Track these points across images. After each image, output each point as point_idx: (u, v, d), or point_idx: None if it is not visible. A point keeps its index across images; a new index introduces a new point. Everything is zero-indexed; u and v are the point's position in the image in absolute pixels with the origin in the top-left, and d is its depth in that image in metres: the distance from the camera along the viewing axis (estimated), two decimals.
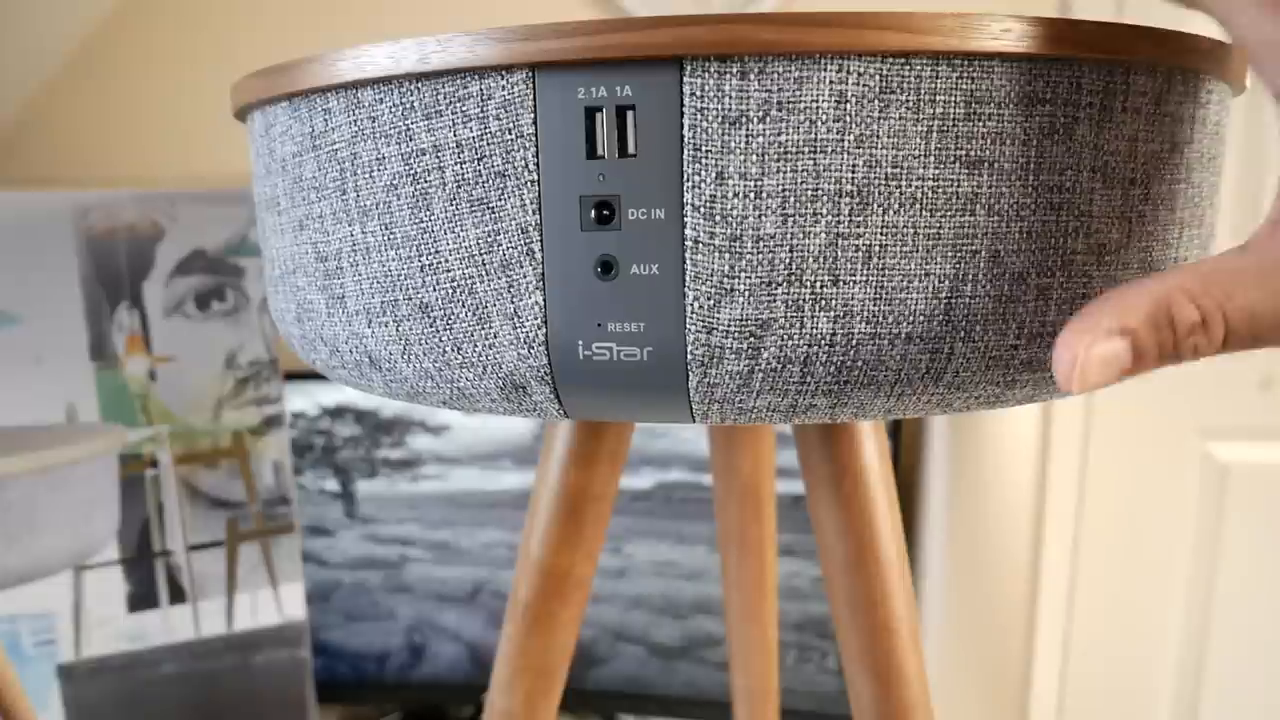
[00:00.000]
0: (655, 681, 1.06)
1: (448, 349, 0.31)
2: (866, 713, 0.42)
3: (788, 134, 0.27)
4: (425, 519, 1.08)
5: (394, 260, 0.31)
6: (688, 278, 0.28)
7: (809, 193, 0.27)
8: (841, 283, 0.28)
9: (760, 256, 0.28)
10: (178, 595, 0.97)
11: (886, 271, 0.28)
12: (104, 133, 1.14)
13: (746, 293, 0.28)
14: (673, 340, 0.29)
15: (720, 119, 0.27)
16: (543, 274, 0.29)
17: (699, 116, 0.27)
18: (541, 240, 0.29)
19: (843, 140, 0.27)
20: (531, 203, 0.29)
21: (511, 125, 0.28)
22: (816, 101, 0.26)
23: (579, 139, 0.28)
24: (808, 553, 1.00)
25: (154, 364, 0.95)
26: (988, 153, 0.27)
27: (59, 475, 0.67)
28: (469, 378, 0.32)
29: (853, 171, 0.27)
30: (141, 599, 0.95)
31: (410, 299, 0.31)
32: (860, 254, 0.28)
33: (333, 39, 1.11)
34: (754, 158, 0.27)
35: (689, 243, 0.28)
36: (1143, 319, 0.25)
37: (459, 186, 0.29)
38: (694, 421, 0.32)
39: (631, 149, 0.28)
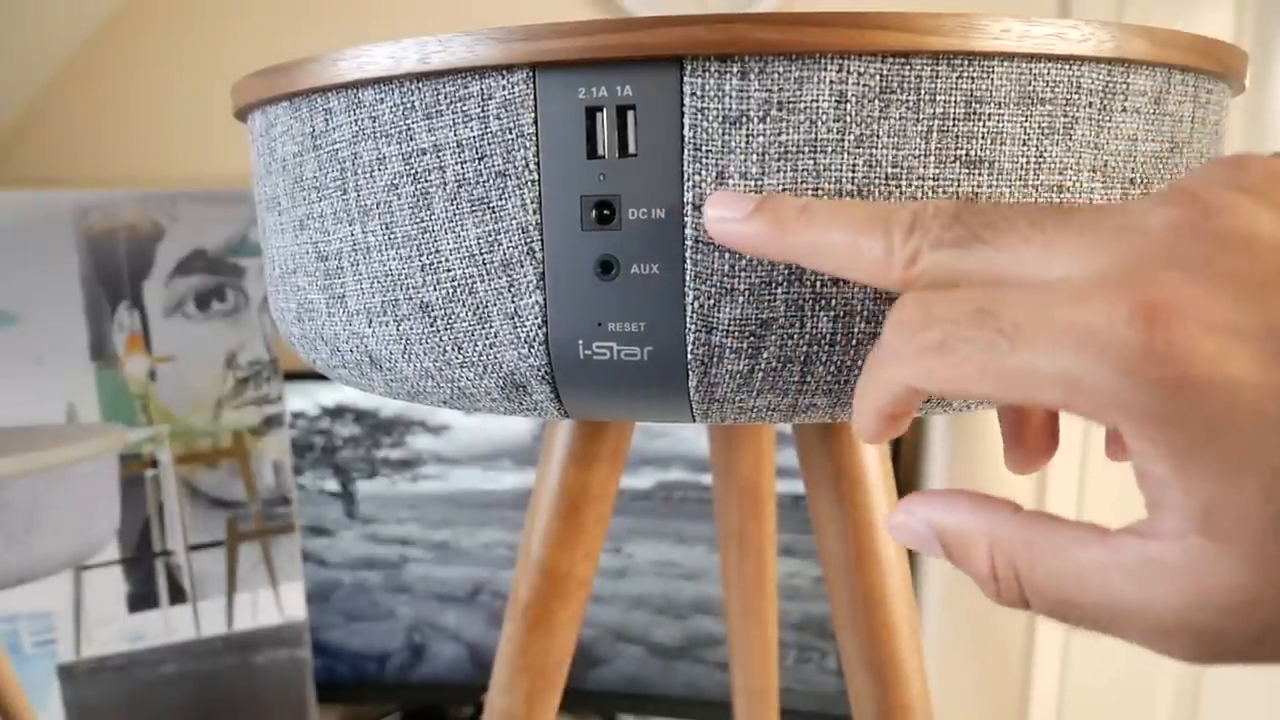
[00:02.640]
0: (655, 681, 1.06)
1: (448, 348, 0.31)
2: (866, 713, 0.42)
3: (788, 134, 0.27)
4: (425, 519, 1.08)
5: (394, 260, 0.31)
6: (688, 277, 0.28)
7: (809, 192, 0.27)
8: (842, 282, 0.28)
9: None
10: (178, 595, 0.97)
11: None
12: (104, 133, 1.14)
13: (747, 292, 0.28)
14: (673, 340, 0.29)
15: (721, 119, 0.27)
16: (543, 273, 0.29)
17: (699, 116, 0.27)
18: (542, 240, 0.29)
19: (843, 140, 0.27)
20: (532, 202, 0.29)
21: (512, 125, 0.28)
22: (817, 101, 0.26)
23: (579, 139, 0.28)
24: (808, 553, 1.00)
25: (154, 364, 0.95)
26: (988, 152, 0.28)
27: (59, 475, 0.67)
28: (469, 377, 0.32)
29: (853, 171, 0.27)
30: (141, 599, 0.95)
31: (411, 298, 0.31)
32: None
33: (333, 39, 1.11)
34: (754, 157, 0.27)
35: (689, 242, 0.28)
36: (949, 538, 0.22)
37: (459, 186, 0.29)
38: (694, 421, 0.32)
39: (632, 149, 0.28)
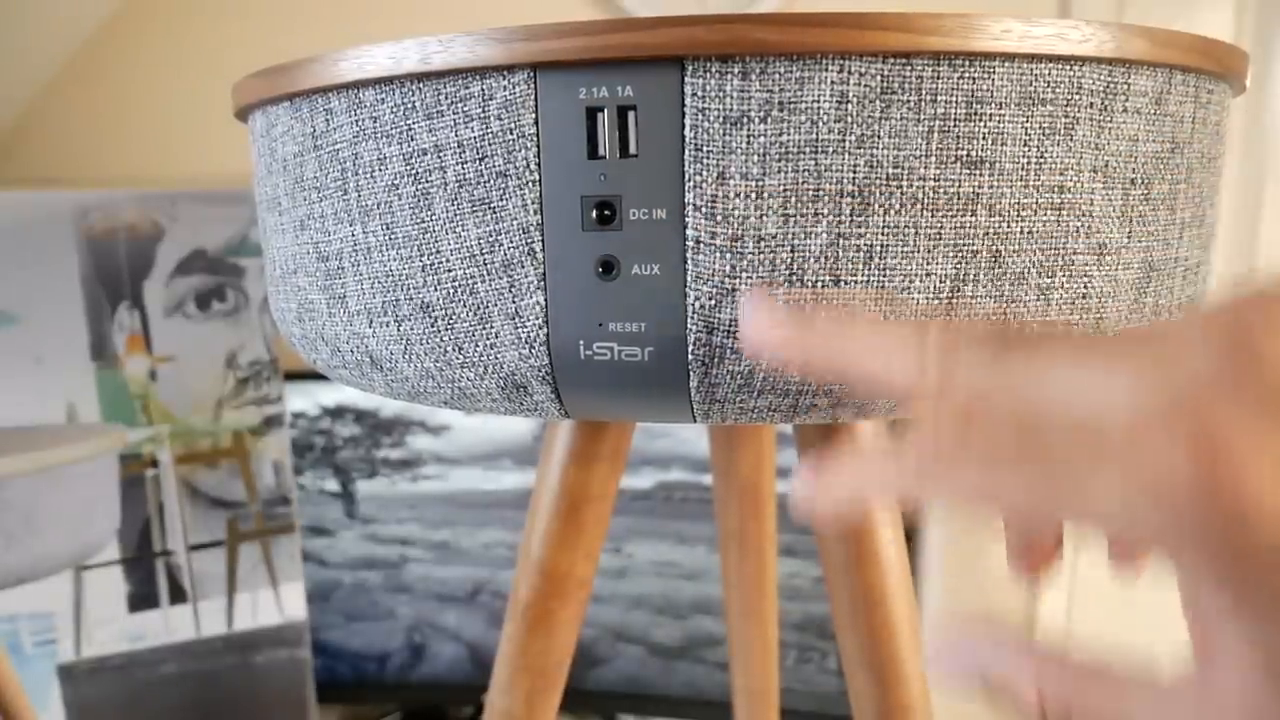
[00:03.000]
0: (655, 681, 1.06)
1: (449, 349, 0.31)
2: (866, 713, 0.42)
3: (789, 134, 0.27)
4: (425, 519, 1.08)
5: (395, 260, 0.31)
6: (689, 278, 0.28)
7: (810, 193, 0.27)
8: (843, 283, 0.28)
9: (762, 256, 0.28)
10: (178, 595, 0.97)
11: (887, 271, 0.28)
12: (104, 133, 1.14)
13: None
14: (674, 340, 0.29)
15: (721, 119, 0.27)
16: (544, 274, 0.29)
17: (700, 116, 0.27)
18: (543, 240, 0.29)
19: (844, 140, 0.27)
20: (533, 203, 0.29)
21: (513, 125, 0.28)
22: (818, 102, 0.26)
23: (580, 139, 0.28)
24: (808, 553, 1.00)
25: (154, 364, 0.95)
26: (989, 153, 0.28)
27: (59, 475, 0.67)
28: (470, 377, 0.32)
29: (854, 171, 0.27)
30: (142, 599, 0.95)
31: (411, 299, 0.31)
32: (861, 254, 0.28)
33: (333, 39, 1.11)
34: (755, 158, 0.27)
35: (690, 243, 0.28)
36: (997, 681, 0.21)
37: (460, 186, 0.29)
38: (695, 421, 0.32)
39: (633, 149, 0.28)
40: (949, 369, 0.20)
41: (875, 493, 0.21)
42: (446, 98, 0.29)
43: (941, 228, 0.28)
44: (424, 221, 0.30)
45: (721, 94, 0.27)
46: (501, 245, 0.29)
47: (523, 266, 0.29)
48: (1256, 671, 0.16)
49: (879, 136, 0.27)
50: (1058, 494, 0.17)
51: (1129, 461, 0.16)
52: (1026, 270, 0.29)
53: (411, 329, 0.32)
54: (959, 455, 0.19)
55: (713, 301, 0.28)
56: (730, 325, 0.28)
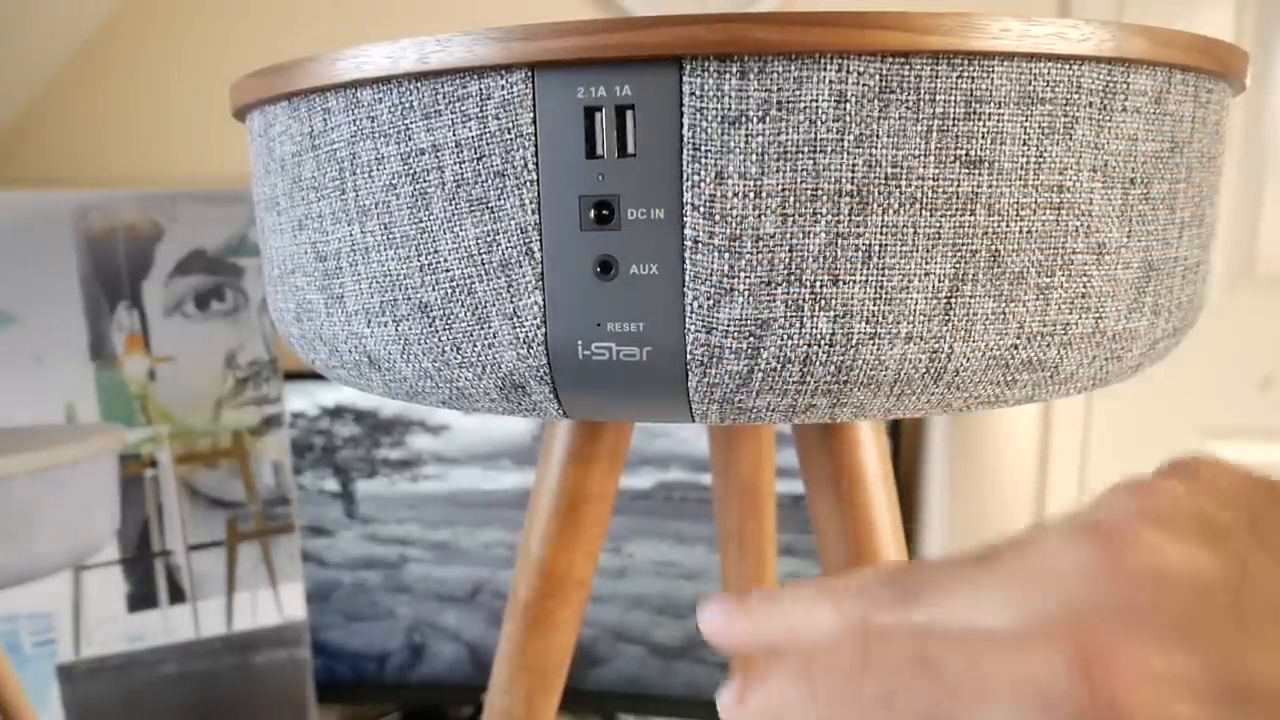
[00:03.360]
0: (655, 681, 1.06)
1: (447, 349, 0.31)
2: None
3: (787, 133, 0.27)
4: (425, 519, 1.08)
5: (393, 260, 0.31)
6: (687, 277, 0.28)
7: (809, 192, 0.27)
8: (841, 282, 0.28)
9: (760, 256, 0.28)
10: (177, 595, 0.97)
11: (886, 271, 0.28)
12: (104, 133, 1.14)
13: (746, 292, 0.28)
14: (672, 340, 0.29)
15: (720, 118, 0.27)
16: (542, 274, 0.29)
17: (698, 116, 0.27)
18: (541, 240, 0.29)
19: (842, 140, 0.27)
20: (531, 202, 0.29)
21: (511, 125, 0.28)
22: (816, 101, 0.26)
23: (578, 139, 0.28)
24: (808, 553, 1.00)
25: (153, 364, 0.95)
26: (988, 152, 0.27)
27: (59, 475, 0.67)
28: (468, 377, 0.32)
29: (852, 171, 0.27)
30: (141, 599, 0.95)
31: (409, 299, 0.31)
32: (860, 254, 0.28)
33: (331, 39, 1.11)
34: (754, 157, 0.27)
35: (689, 242, 0.28)
36: None
37: (458, 186, 0.29)
38: (694, 421, 0.32)
39: (631, 149, 0.28)
40: (859, 617, 0.21)
41: (779, 693, 0.22)
42: (444, 97, 0.29)
43: (940, 227, 0.28)
44: (422, 221, 0.30)
45: (720, 93, 0.27)
46: (499, 245, 0.29)
47: (521, 266, 0.29)
48: None
49: (877, 136, 0.27)
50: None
51: (1019, 683, 0.17)
52: (1026, 270, 0.29)
53: (409, 329, 0.32)
54: (861, 688, 0.19)
55: (711, 301, 0.28)
56: (729, 325, 0.28)
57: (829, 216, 0.27)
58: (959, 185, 0.27)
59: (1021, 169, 0.28)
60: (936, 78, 0.27)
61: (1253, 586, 0.16)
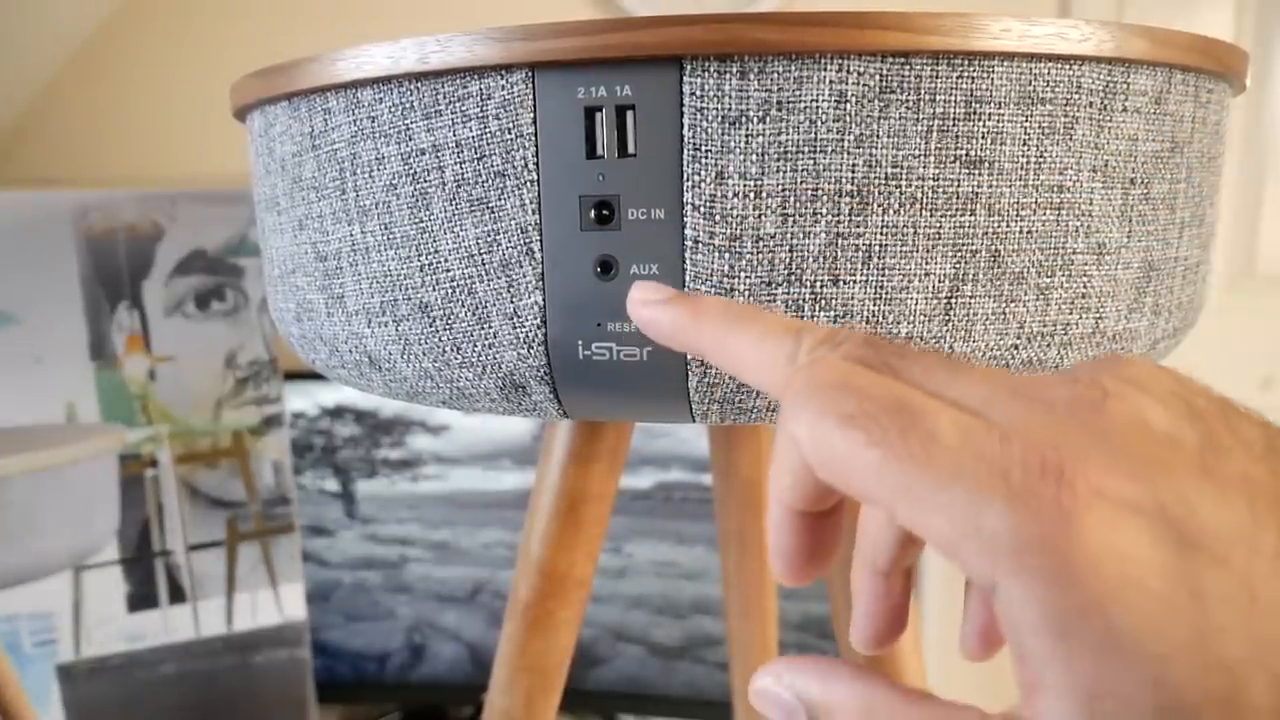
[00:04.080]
0: (655, 681, 1.05)
1: (447, 349, 0.31)
2: None
3: (787, 134, 0.27)
4: (425, 519, 1.08)
5: (393, 260, 0.31)
6: (687, 277, 0.28)
7: (809, 192, 0.27)
8: (841, 282, 0.28)
9: (760, 256, 0.28)
10: (178, 595, 0.97)
11: (886, 271, 0.28)
12: (104, 133, 1.14)
13: (746, 293, 0.28)
14: None
15: (720, 119, 0.27)
16: (542, 274, 0.29)
17: (699, 116, 0.27)
18: (541, 240, 0.29)
19: (842, 140, 0.27)
20: (531, 202, 0.29)
21: (511, 125, 0.28)
22: (816, 101, 0.26)
23: (579, 139, 0.28)
24: None
25: (154, 364, 0.95)
26: (988, 152, 0.27)
27: (59, 475, 0.67)
28: (468, 377, 0.32)
29: (852, 171, 0.27)
30: (141, 599, 0.95)
31: (410, 299, 0.31)
32: (860, 254, 0.28)
33: (332, 39, 1.11)
34: (754, 157, 0.27)
35: (689, 242, 0.28)
36: (819, 713, 0.20)
37: (458, 186, 0.29)
38: (694, 421, 0.32)
39: (631, 149, 0.28)
40: (819, 357, 0.20)
41: (781, 470, 0.20)
42: (445, 97, 0.29)
43: (940, 227, 0.28)
44: (422, 221, 0.30)
45: (720, 93, 0.27)
46: (500, 245, 0.29)
47: (521, 266, 0.29)
48: (1079, 712, 0.15)
49: (877, 136, 0.27)
50: (909, 477, 0.17)
51: (992, 463, 0.16)
52: (1026, 270, 0.29)
53: (410, 329, 0.32)
54: (828, 410, 0.18)
55: None
56: None
57: (829, 216, 0.27)
58: (959, 185, 0.27)
59: (1021, 169, 0.28)
60: (937, 78, 0.27)
61: (1221, 457, 0.16)
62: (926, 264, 0.28)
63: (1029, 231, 0.28)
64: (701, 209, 0.27)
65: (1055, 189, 0.28)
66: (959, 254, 0.28)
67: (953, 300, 0.28)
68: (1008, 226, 0.28)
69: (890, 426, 0.17)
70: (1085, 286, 0.30)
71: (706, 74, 0.26)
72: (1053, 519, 0.15)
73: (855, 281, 0.28)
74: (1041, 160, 0.28)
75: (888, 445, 0.17)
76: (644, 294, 0.25)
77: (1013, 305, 0.29)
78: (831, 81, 0.26)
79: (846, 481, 0.18)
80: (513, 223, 0.29)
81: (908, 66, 0.26)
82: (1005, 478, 0.16)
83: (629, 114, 0.27)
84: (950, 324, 0.29)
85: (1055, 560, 0.15)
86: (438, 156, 0.29)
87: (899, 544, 0.21)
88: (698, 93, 0.27)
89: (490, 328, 0.30)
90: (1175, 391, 0.18)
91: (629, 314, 0.25)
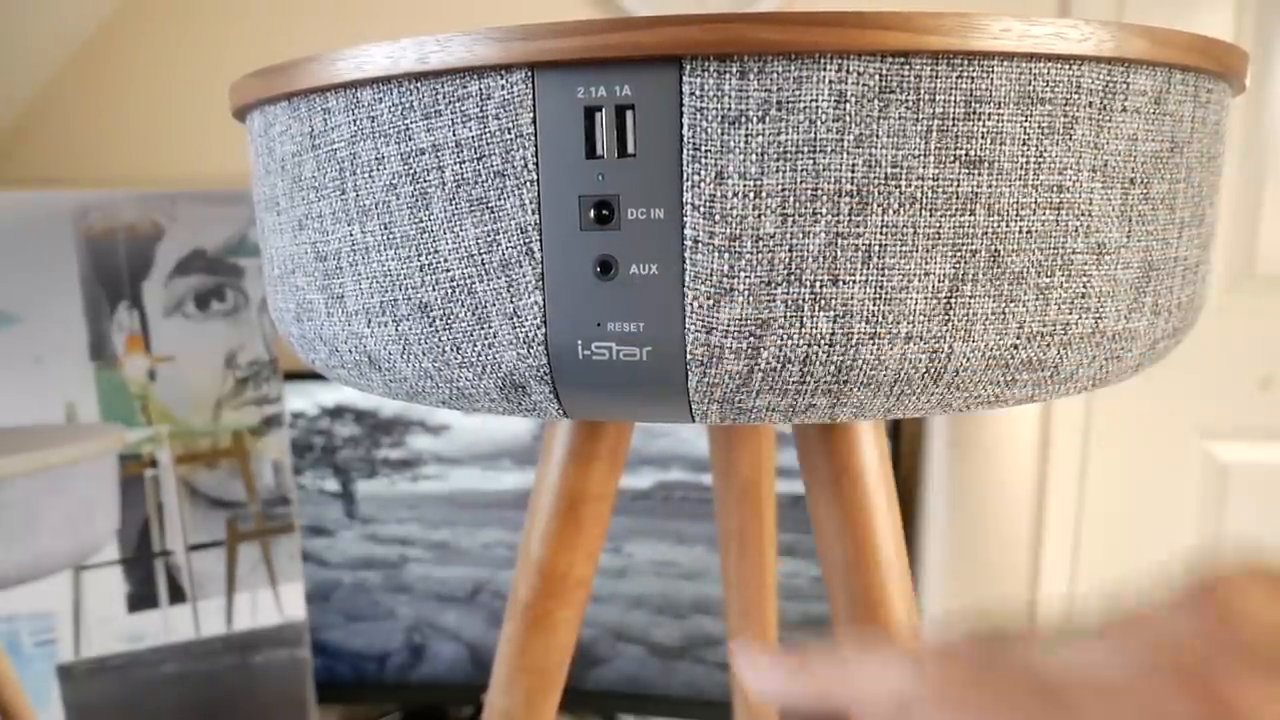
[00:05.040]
0: (655, 681, 1.05)
1: (447, 349, 0.31)
2: None
3: (787, 134, 0.27)
4: (425, 519, 1.08)
5: (393, 260, 0.31)
6: (687, 277, 0.28)
7: (808, 192, 0.27)
8: (841, 282, 0.28)
9: (760, 256, 0.28)
10: (178, 595, 0.97)
11: (886, 271, 0.28)
12: (104, 133, 1.14)
13: (746, 292, 0.28)
14: (672, 340, 0.29)
15: (720, 118, 0.27)
16: (542, 274, 0.29)
17: (698, 116, 0.27)
18: (541, 240, 0.29)
19: (842, 140, 0.27)
20: (531, 202, 0.29)
21: (511, 125, 0.28)
22: (816, 101, 0.26)
23: (578, 139, 0.28)
24: (808, 553, 1.00)
25: (154, 364, 0.95)
26: (987, 152, 0.27)
27: (59, 475, 0.67)
28: (468, 377, 0.32)
29: (852, 171, 0.27)
30: (141, 599, 0.95)
31: (409, 299, 0.31)
32: (860, 254, 0.28)
33: (331, 39, 1.11)
34: (753, 157, 0.27)
35: (688, 242, 0.28)
36: None
37: (458, 186, 0.29)
38: (694, 421, 0.32)
39: (631, 149, 0.28)
40: (944, 659, 0.20)
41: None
42: (444, 97, 0.29)
43: (940, 227, 0.28)
44: (422, 221, 0.30)
45: (720, 93, 0.27)
46: (499, 245, 0.29)
47: (521, 266, 0.29)
48: None
49: (877, 136, 0.27)
50: None
51: (1144, 714, 0.16)
52: (1025, 270, 0.29)
53: (410, 329, 0.32)
54: (969, 704, 0.18)
55: (711, 301, 0.28)
56: (729, 325, 0.28)
57: (829, 216, 0.27)
58: (959, 185, 0.27)
59: (1021, 169, 0.28)
60: (936, 78, 0.27)
61: None
62: (926, 264, 0.28)
63: (1029, 231, 0.28)
64: (701, 209, 0.27)
65: (1055, 189, 0.28)
66: (959, 254, 0.28)
67: (952, 300, 0.28)
68: (1007, 226, 0.28)
69: (1036, 717, 0.17)
70: (1085, 286, 0.30)
71: (706, 74, 0.26)
72: None
73: (855, 281, 0.28)
74: (1041, 160, 0.28)
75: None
76: (756, 667, 0.24)
77: (1012, 305, 0.29)
78: (831, 81, 0.26)
79: None
80: (512, 223, 0.29)
81: (908, 66, 0.26)
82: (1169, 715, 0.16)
83: (629, 114, 0.27)
84: (950, 324, 0.29)
85: None
86: (437, 156, 0.29)
87: None
88: (697, 92, 0.27)
89: (490, 327, 0.30)
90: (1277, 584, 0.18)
91: (746, 687, 0.24)
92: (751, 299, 0.28)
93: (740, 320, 0.28)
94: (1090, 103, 0.28)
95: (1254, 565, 0.19)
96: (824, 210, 0.27)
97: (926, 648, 0.21)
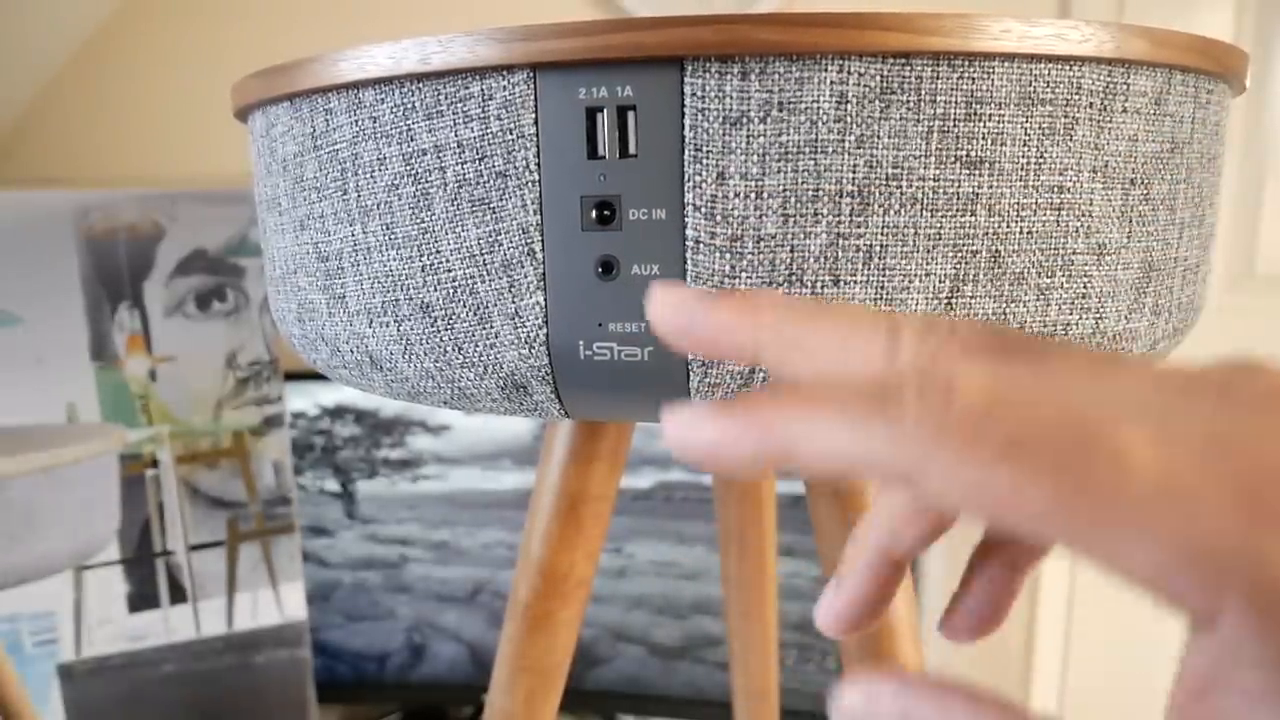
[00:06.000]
0: (655, 681, 1.06)
1: (449, 349, 0.31)
2: None
3: (789, 134, 0.27)
4: (425, 519, 1.08)
5: (395, 260, 0.31)
6: (689, 277, 0.28)
7: (810, 193, 0.27)
8: (842, 283, 0.28)
9: (761, 256, 0.28)
10: (178, 595, 0.97)
11: (887, 271, 0.28)
12: (104, 133, 1.14)
13: None
14: None
15: (721, 119, 0.27)
16: (544, 274, 0.29)
17: (700, 117, 0.27)
18: (542, 240, 0.29)
19: (843, 140, 0.27)
20: (532, 203, 0.29)
21: (512, 125, 0.28)
22: (817, 102, 0.26)
23: (580, 139, 0.28)
24: (808, 553, 1.00)
25: (154, 364, 0.95)
26: (988, 153, 0.28)
27: (59, 475, 0.67)
28: (470, 377, 0.32)
29: (853, 172, 0.27)
30: (142, 599, 0.95)
31: (411, 299, 0.31)
32: (861, 254, 0.28)
33: (333, 39, 1.11)
34: (755, 158, 0.27)
35: (690, 243, 0.28)
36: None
37: (460, 186, 0.29)
38: None
39: (632, 149, 0.28)
40: (930, 354, 0.16)
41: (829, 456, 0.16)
42: (446, 98, 0.29)
43: (941, 228, 0.28)
44: (424, 222, 0.30)
45: (721, 94, 0.27)
46: (501, 245, 0.29)
47: (522, 266, 0.29)
48: None
49: (878, 136, 0.27)
50: (1096, 509, 0.14)
51: (1194, 484, 0.13)
52: (1026, 270, 0.29)
53: (411, 329, 0.32)
54: (968, 437, 0.14)
55: None
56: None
57: (830, 217, 0.27)
58: (960, 186, 0.28)
59: (1022, 170, 0.28)
60: (937, 79, 0.27)
61: None
62: (927, 264, 0.28)
63: (1029, 232, 0.28)
64: (703, 209, 0.27)
65: (1055, 189, 0.28)
66: (959, 254, 0.28)
67: (953, 300, 0.28)
68: (1008, 227, 0.28)
69: (1065, 452, 0.14)
70: (1085, 287, 0.30)
71: (708, 74, 0.26)
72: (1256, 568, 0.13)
73: (856, 282, 0.28)
74: (1042, 161, 0.28)
75: (1068, 477, 0.14)
76: (669, 297, 0.19)
77: (1013, 305, 0.29)
78: (832, 82, 0.26)
79: (1007, 521, 0.14)
80: (514, 223, 0.29)
81: (908, 67, 0.26)
82: (1230, 496, 0.13)
83: (630, 114, 0.27)
84: None
85: None
86: (439, 157, 0.29)
87: (926, 537, 0.19)
88: (699, 93, 0.27)
89: (492, 328, 0.30)
90: None
91: (653, 325, 0.19)
92: None
93: None
94: (1091, 103, 0.28)
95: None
96: (825, 211, 0.27)
97: (914, 319, 0.17)
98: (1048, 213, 0.29)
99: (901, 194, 0.27)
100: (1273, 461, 0.13)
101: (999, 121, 0.27)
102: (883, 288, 0.28)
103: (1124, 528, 0.13)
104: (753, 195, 0.27)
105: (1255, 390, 0.14)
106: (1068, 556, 1.14)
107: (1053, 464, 0.14)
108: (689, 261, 0.28)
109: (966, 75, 0.27)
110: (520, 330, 0.30)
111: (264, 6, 1.12)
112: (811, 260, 0.28)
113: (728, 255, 0.28)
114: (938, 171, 0.27)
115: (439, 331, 0.31)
